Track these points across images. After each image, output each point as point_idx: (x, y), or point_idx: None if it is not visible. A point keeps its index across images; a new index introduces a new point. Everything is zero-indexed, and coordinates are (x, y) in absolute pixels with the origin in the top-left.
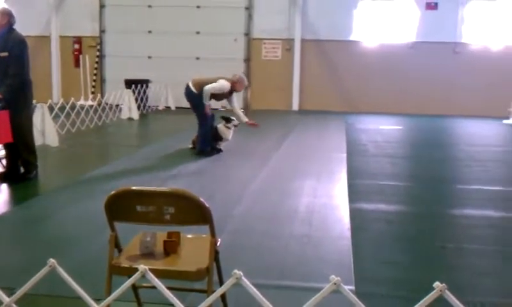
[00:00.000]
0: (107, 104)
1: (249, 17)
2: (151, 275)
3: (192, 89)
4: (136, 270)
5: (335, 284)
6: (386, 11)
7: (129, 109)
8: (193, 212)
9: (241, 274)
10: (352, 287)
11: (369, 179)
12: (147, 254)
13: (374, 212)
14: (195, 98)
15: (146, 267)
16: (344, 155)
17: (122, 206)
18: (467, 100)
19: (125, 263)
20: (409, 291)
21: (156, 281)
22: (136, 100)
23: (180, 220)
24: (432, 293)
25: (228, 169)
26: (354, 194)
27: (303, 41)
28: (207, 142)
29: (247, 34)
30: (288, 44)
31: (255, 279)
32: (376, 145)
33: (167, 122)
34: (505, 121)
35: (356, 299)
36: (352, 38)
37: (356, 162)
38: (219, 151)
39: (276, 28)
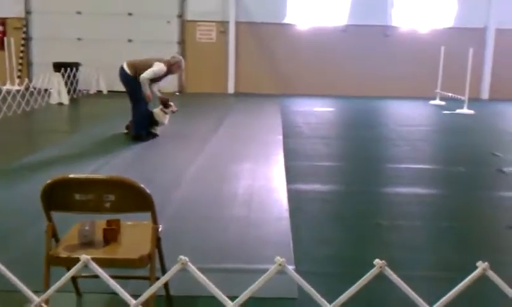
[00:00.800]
0: (35, 89)
1: None
2: (93, 265)
3: (128, 71)
4: (75, 260)
5: (280, 265)
6: None
7: (59, 93)
8: (134, 198)
9: (187, 259)
10: (293, 266)
11: (305, 160)
12: (86, 244)
13: (311, 192)
14: (131, 81)
15: (88, 256)
16: (280, 137)
17: (59, 195)
18: (397, 82)
19: (63, 254)
20: (348, 269)
21: (99, 270)
22: (66, 84)
23: (120, 208)
24: (373, 270)
25: (165, 153)
26: (291, 175)
27: (238, 23)
28: (143, 127)
29: (180, 16)
30: (222, 26)
31: (197, 264)
32: (311, 127)
33: (99, 106)
34: (432, 102)
35: (300, 279)
36: (286, 20)
37: (292, 144)
38: (155, 135)
39: (210, 10)
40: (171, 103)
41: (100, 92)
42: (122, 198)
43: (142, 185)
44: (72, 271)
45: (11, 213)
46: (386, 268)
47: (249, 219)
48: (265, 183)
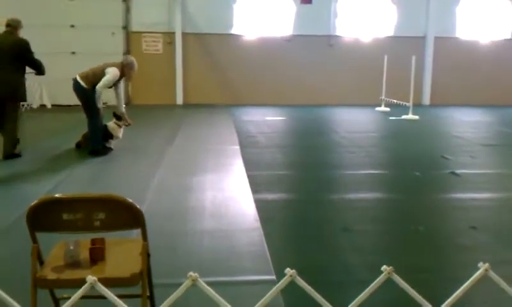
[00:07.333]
0: None
1: (127, 10)
2: (100, 286)
3: (83, 84)
4: (65, 281)
5: (291, 276)
6: (264, 5)
7: None
8: (125, 216)
9: (197, 275)
10: (273, 277)
11: (265, 170)
12: (73, 264)
13: (277, 201)
14: (87, 94)
15: (95, 277)
16: (237, 147)
17: (46, 216)
18: (342, 90)
19: (52, 276)
20: (328, 276)
21: (107, 292)
22: None
23: (111, 226)
24: (381, 276)
25: (124, 168)
26: (254, 185)
27: (184, 34)
28: (99, 141)
29: (125, 28)
30: (169, 37)
31: (176, 279)
32: (265, 136)
33: (45, 121)
34: (377, 109)
35: (312, 290)
36: (233, 31)
37: (250, 154)
38: (110, 149)
39: (155, 21)
40: (125, 116)
41: (43, 106)
42: (112, 216)
43: (132, 202)
44: (80, 292)
45: None
46: (394, 274)
47: (222, 231)
48: (230, 194)
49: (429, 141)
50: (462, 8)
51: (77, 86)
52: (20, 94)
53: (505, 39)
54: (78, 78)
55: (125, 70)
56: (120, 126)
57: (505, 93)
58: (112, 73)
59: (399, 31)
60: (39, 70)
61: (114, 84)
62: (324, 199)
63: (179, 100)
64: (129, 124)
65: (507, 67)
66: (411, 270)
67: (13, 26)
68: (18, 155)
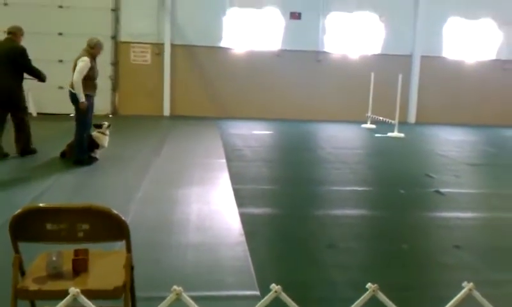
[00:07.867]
0: None
1: (116, 20)
2: (83, 298)
3: (73, 90)
4: (47, 293)
5: (276, 292)
6: (254, 19)
7: None
8: (109, 227)
9: (181, 289)
10: (257, 292)
11: (251, 184)
12: (55, 275)
13: (262, 216)
14: (76, 100)
15: (78, 289)
16: (224, 161)
17: (30, 225)
18: (329, 106)
19: (33, 287)
20: (311, 292)
21: (89, 304)
22: None
23: (95, 237)
24: (366, 293)
25: (109, 178)
26: (240, 199)
27: (173, 46)
28: (84, 151)
29: (114, 37)
30: (157, 48)
31: (160, 292)
32: (252, 150)
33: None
34: (363, 126)
35: (296, 306)
36: (222, 44)
37: (236, 168)
38: (95, 159)
39: (144, 32)
40: (104, 122)
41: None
42: (97, 227)
43: (117, 213)
44: (62, 304)
45: None
46: (379, 292)
47: (206, 245)
48: (215, 207)
49: (414, 159)
50: (448, 28)
51: (71, 96)
52: (22, 100)
53: (490, 60)
54: (69, 89)
55: (94, 51)
56: (104, 133)
57: (490, 113)
58: (83, 61)
59: (386, 49)
60: (39, 77)
61: (91, 72)
62: (309, 214)
63: (166, 112)
64: (109, 125)
65: (492, 87)
66: (395, 288)
67: (13, 33)
68: (34, 151)
